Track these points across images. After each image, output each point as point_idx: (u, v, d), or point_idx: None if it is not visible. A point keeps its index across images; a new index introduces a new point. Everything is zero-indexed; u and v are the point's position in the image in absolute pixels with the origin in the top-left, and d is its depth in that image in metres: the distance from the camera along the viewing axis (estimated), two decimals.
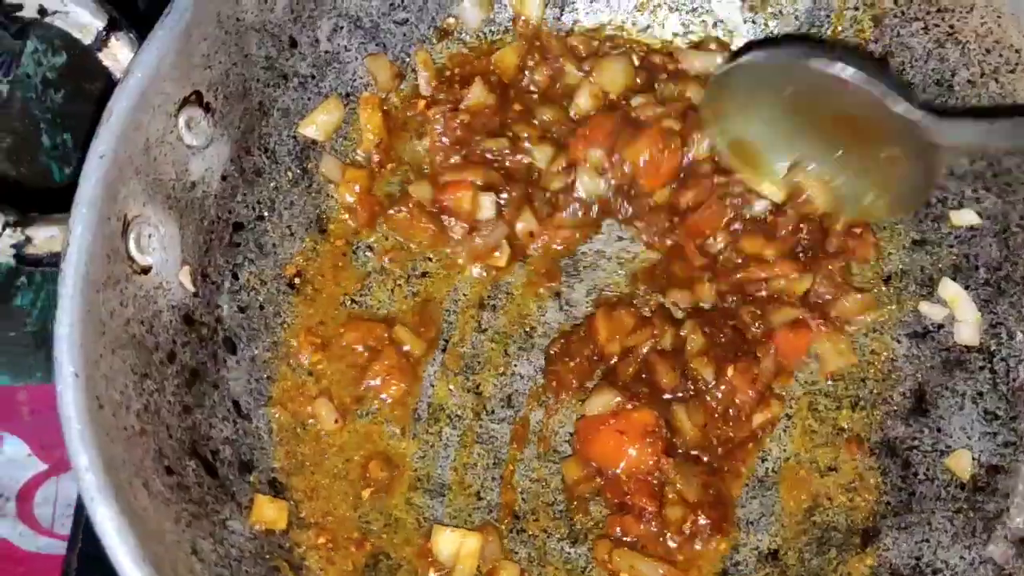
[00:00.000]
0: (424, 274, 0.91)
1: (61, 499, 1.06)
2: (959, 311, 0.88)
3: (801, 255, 0.90)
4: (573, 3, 0.97)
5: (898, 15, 0.88)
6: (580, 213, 0.92)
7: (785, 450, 0.88)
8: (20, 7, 0.69)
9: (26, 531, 1.05)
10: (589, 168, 0.90)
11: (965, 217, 0.88)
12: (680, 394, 0.85)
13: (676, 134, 0.90)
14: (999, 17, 0.82)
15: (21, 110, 0.98)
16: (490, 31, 0.96)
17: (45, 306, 0.98)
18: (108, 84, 0.95)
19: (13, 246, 0.67)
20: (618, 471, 0.82)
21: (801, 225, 0.90)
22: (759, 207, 0.91)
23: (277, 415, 0.83)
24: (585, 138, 0.91)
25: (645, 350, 0.86)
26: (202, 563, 0.66)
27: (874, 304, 0.90)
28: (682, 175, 0.91)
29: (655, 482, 0.82)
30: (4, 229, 0.66)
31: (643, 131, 0.90)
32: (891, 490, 0.86)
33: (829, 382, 0.90)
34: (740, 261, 0.90)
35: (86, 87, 1.02)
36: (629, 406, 0.82)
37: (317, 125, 0.89)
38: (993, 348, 0.85)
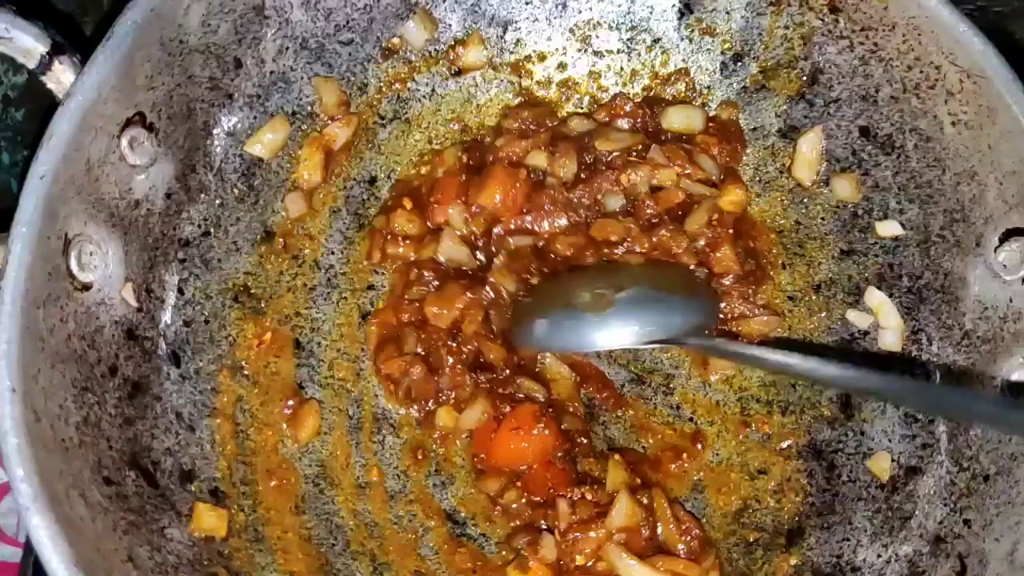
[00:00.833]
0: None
1: None
2: (883, 318, 0.91)
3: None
4: (516, 22, 1.00)
5: (825, 33, 0.91)
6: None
7: (717, 454, 0.91)
8: None
9: None
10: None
11: (889, 228, 0.91)
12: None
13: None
14: (919, 35, 0.85)
15: None
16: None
17: None
18: (48, 110, 0.97)
19: None
20: (529, 466, 0.85)
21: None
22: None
23: (220, 425, 0.85)
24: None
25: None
26: (138, 570, 0.68)
27: (779, 323, 0.93)
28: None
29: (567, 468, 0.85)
30: None
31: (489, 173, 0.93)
32: (816, 492, 0.89)
33: (760, 388, 0.93)
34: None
35: (47, 105, 1.04)
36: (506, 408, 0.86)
37: (263, 144, 0.91)
38: (914, 353, 0.89)
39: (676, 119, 0.97)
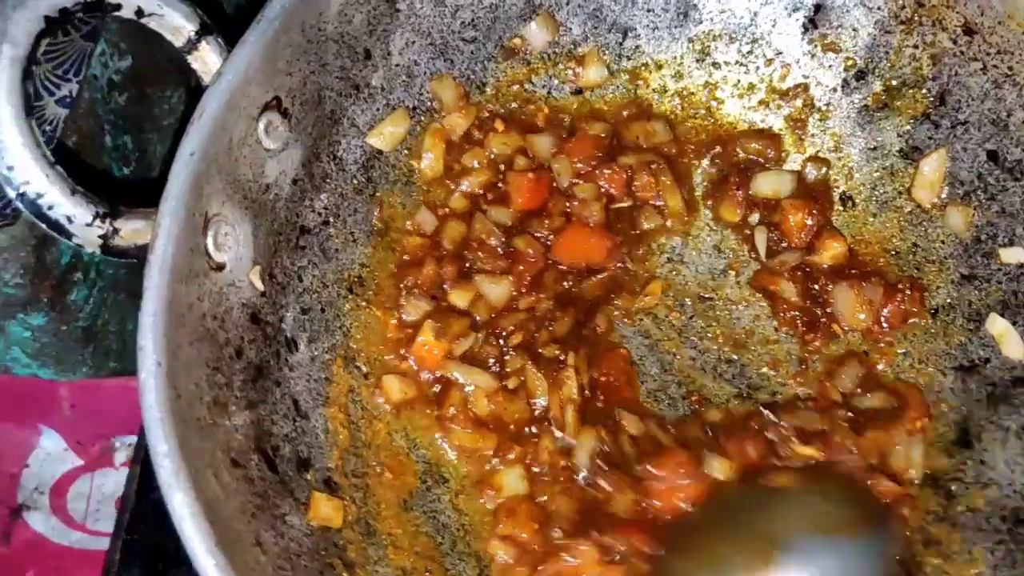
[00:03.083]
0: None
1: (95, 495, 1.08)
2: (1006, 346, 0.89)
3: None
4: (635, 30, 0.99)
5: (957, 54, 0.90)
6: None
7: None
8: (119, 7, 0.71)
9: (58, 525, 1.06)
10: None
11: (1015, 255, 0.89)
12: None
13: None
14: None
15: (88, 110, 1.00)
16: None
17: (98, 301, 0.99)
18: (188, 89, 0.98)
19: (101, 236, 0.69)
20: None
21: None
22: None
23: (333, 415, 0.84)
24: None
25: None
26: (265, 555, 0.67)
27: None
28: None
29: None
30: (95, 220, 0.68)
31: None
32: (933, 521, 0.87)
33: None
34: None
35: (148, 91, 1.05)
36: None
37: (384, 136, 0.91)
38: None
39: (765, 185, 0.96)
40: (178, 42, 0.75)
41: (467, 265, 0.91)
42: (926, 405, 0.88)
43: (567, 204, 0.94)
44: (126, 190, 0.99)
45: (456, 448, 0.86)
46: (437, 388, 0.87)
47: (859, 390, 0.89)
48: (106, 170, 1.03)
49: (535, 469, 0.84)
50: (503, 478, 0.84)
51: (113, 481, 1.07)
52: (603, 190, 0.95)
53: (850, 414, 0.85)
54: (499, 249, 0.92)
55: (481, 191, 0.94)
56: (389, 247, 0.92)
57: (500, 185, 0.95)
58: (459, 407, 0.85)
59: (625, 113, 0.99)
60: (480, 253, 0.91)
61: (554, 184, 0.95)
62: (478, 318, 0.89)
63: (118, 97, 1.03)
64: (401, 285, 0.90)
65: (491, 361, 0.88)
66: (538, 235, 0.93)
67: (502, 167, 0.95)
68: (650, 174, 0.95)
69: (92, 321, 0.99)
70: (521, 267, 0.91)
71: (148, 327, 0.64)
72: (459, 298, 0.89)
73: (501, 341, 0.89)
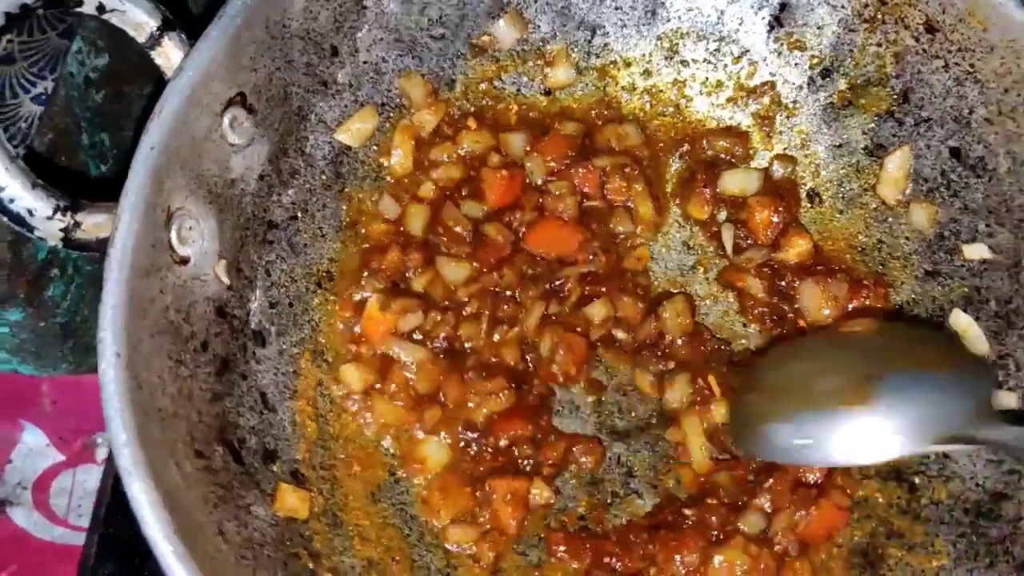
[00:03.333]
0: None
1: (77, 490, 1.07)
2: (969, 342, 0.90)
3: None
4: (604, 27, 1.00)
5: (919, 52, 0.91)
6: None
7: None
8: (80, 3, 0.72)
9: (41, 520, 1.06)
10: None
11: (977, 251, 0.90)
12: None
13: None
14: (1019, 58, 0.84)
15: (64, 108, 1.00)
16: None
17: (75, 298, 0.99)
18: (156, 85, 0.98)
19: (62, 230, 0.70)
20: None
21: None
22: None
23: (300, 408, 0.85)
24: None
25: None
26: (227, 544, 0.68)
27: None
28: None
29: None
30: (55, 213, 0.68)
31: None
32: (896, 513, 0.87)
33: None
34: None
35: (125, 89, 1.05)
36: None
37: (352, 132, 0.92)
38: (1001, 378, 0.87)
39: (731, 183, 0.97)
40: (140, 38, 0.75)
41: (432, 254, 0.92)
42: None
43: (539, 199, 0.95)
44: (105, 187, 0.99)
45: (382, 426, 0.87)
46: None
47: None
48: (81, 167, 1.03)
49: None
50: (425, 448, 0.85)
51: (95, 477, 1.07)
52: (577, 188, 0.96)
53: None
54: (466, 236, 0.92)
55: (451, 185, 0.95)
56: (357, 242, 0.93)
57: (473, 180, 0.95)
58: (400, 385, 0.86)
59: (595, 113, 1.00)
60: (445, 238, 0.92)
61: (527, 181, 0.96)
62: (434, 297, 0.90)
63: (95, 94, 1.03)
64: (365, 271, 0.90)
65: (441, 341, 0.88)
66: (511, 225, 0.94)
67: (473, 163, 0.96)
68: (623, 178, 0.96)
69: (70, 317, 0.99)
70: (487, 251, 0.92)
71: (108, 319, 0.65)
72: (418, 282, 0.90)
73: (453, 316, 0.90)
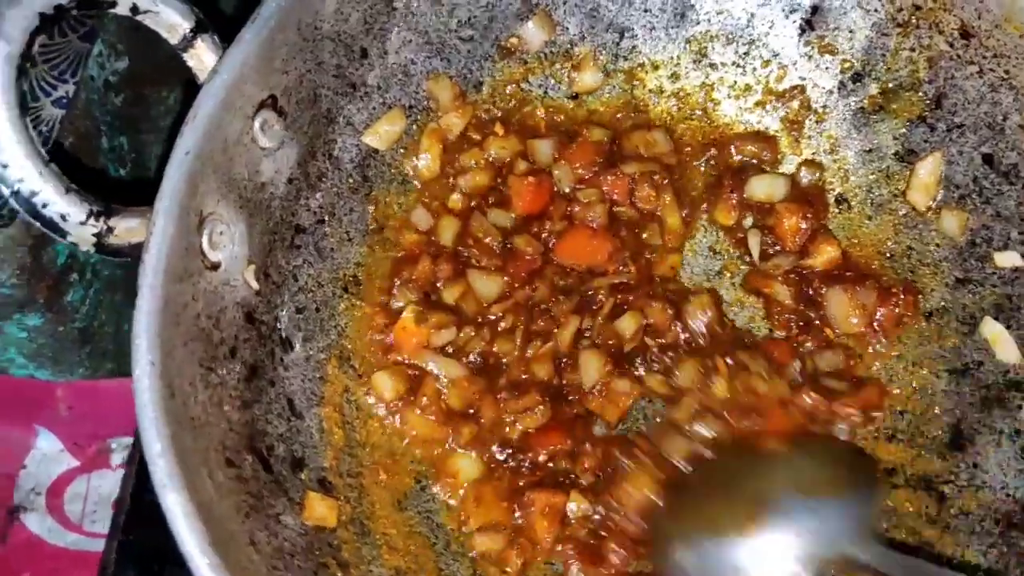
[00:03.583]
0: None
1: (92, 496, 1.07)
2: (999, 350, 0.89)
3: None
4: (632, 30, 0.99)
5: (954, 58, 0.90)
6: None
7: None
8: (114, 4, 0.71)
9: (55, 526, 1.06)
10: None
11: (1009, 258, 0.89)
12: None
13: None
14: None
15: (84, 111, 1.00)
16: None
17: (94, 303, 0.99)
18: (185, 88, 0.97)
19: (95, 235, 0.69)
20: None
21: None
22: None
23: (327, 415, 0.84)
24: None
25: None
26: (259, 555, 0.67)
27: None
28: None
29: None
30: (88, 218, 0.68)
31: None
32: (925, 523, 0.87)
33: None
34: None
35: (145, 92, 1.05)
36: None
37: (380, 135, 0.91)
38: None
39: (758, 189, 0.96)
40: (173, 40, 0.74)
41: (462, 265, 0.91)
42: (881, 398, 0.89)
43: (568, 208, 0.94)
44: (123, 190, 0.99)
45: (413, 438, 0.86)
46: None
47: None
48: (103, 170, 1.03)
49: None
50: (458, 462, 0.84)
51: (110, 482, 1.07)
52: (606, 195, 0.95)
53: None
54: (495, 248, 0.92)
55: (479, 192, 0.94)
56: (384, 246, 0.92)
57: (500, 188, 0.95)
58: (432, 398, 0.85)
59: (622, 117, 0.99)
60: (476, 250, 0.91)
61: (555, 189, 0.95)
62: (466, 312, 0.89)
63: (115, 98, 1.03)
64: (396, 280, 0.90)
65: (475, 356, 0.88)
66: (540, 235, 0.93)
67: (501, 170, 0.95)
68: (652, 186, 0.95)
69: (88, 322, 0.99)
70: (518, 264, 0.91)
71: (142, 326, 0.64)
72: (449, 294, 0.89)
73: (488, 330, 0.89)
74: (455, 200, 0.93)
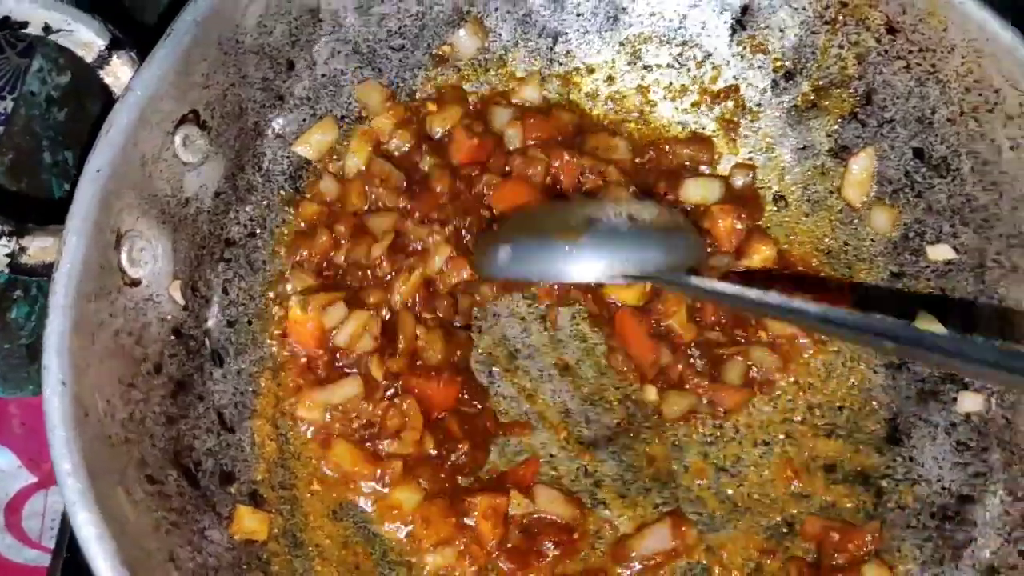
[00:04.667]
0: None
1: (50, 512, 1.06)
2: None
3: None
4: (566, 34, 0.99)
5: (881, 53, 0.90)
6: None
7: (761, 475, 0.89)
8: (26, 24, 0.71)
9: (13, 543, 1.05)
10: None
11: (941, 252, 0.90)
12: None
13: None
14: (980, 57, 0.84)
15: (25, 127, 0.99)
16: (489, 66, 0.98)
17: (40, 319, 0.99)
18: (109, 103, 0.97)
19: (7, 255, 0.69)
20: None
21: None
22: None
23: (260, 427, 0.84)
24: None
25: None
26: (179, 571, 0.67)
27: None
28: None
29: None
30: (0, 238, 0.68)
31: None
32: (863, 518, 0.87)
33: (806, 411, 0.91)
34: None
35: (89, 106, 1.04)
36: None
37: (311, 144, 0.91)
38: (967, 380, 0.87)
39: (693, 192, 0.96)
40: (89, 57, 0.74)
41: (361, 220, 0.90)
42: None
43: (507, 163, 0.93)
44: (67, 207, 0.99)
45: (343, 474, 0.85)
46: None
47: None
48: (43, 187, 1.02)
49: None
50: (397, 495, 0.84)
51: None
52: (553, 168, 0.94)
53: None
54: (401, 186, 0.90)
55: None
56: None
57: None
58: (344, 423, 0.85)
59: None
60: (381, 189, 0.90)
61: (500, 148, 0.94)
62: (353, 260, 0.88)
63: (57, 113, 1.02)
64: (292, 260, 0.88)
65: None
66: (471, 184, 0.92)
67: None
68: (599, 177, 0.95)
69: (35, 338, 0.98)
70: (425, 202, 0.90)
71: (52, 347, 0.64)
72: (341, 253, 0.88)
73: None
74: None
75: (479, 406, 0.87)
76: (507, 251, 0.80)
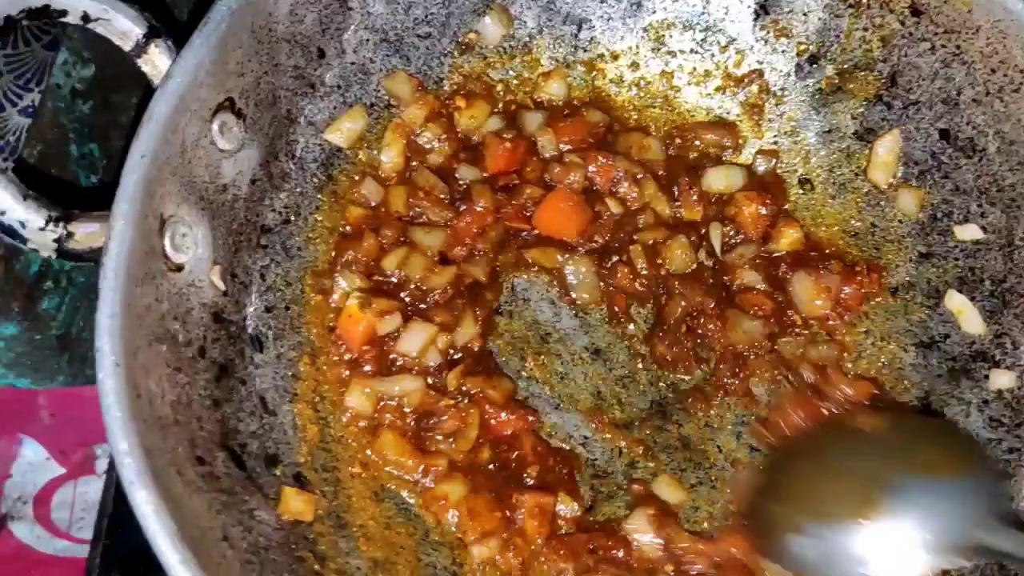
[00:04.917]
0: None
1: (79, 503, 1.07)
2: (964, 322, 0.90)
3: None
4: (590, 21, 1.00)
5: (906, 36, 0.91)
6: None
7: None
8: (65, 13, 0.72)
9: (43, 534, 1.06)
10: None
11: (969, 231, 0.91)
12: None
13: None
14: (1004, 38, 0.85)
15: (51, 119, 1.00)
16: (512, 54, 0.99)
17: (70, 310, 0.99)
18: (144, 94, 0.98)
19: (55, 240, 0.69)
20: None
21: None
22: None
23: (301, 411, 0.85)
24: None
25: None
26: (233, 549, 0.68)
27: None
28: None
29: None
30: (48, 224, 0.68)
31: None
32: None
33: None
34: None
35: (113, 99, 1.05)
36: None
37: (342, 132, 0.92)
38: (998, 357, 0.88)
39: (715, 181, 0.96)
40: (127, 46, 0.75)
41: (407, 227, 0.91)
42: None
43: (544, 172, 0.94)
44: (97, 197, 1.00)
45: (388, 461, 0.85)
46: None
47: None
48: (71, 179, 1.03)
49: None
50: (443, 487, 0.83)
51: (96, 488, 1.06)
52: (589, 175, 0.94)
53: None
54: (445, 200, 0.91)
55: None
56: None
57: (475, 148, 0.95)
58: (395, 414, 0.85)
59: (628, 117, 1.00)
60: (426, 202, 0.91)
61: (534, 155, 0.94)
62: (406, 276, 0.88)
63: (82, 105, 1.03)
64: (339, 261, 0.89)
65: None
66: (514, 198, 0.93)
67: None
68: (634, 184, 0.95)
69: (65, 329, 0.99)
70: (469, 219, 0.91)
71: (105, 329, 0.64)
72: (391, 261, 0.88)
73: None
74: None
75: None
76: (801, 545, 0.67)
